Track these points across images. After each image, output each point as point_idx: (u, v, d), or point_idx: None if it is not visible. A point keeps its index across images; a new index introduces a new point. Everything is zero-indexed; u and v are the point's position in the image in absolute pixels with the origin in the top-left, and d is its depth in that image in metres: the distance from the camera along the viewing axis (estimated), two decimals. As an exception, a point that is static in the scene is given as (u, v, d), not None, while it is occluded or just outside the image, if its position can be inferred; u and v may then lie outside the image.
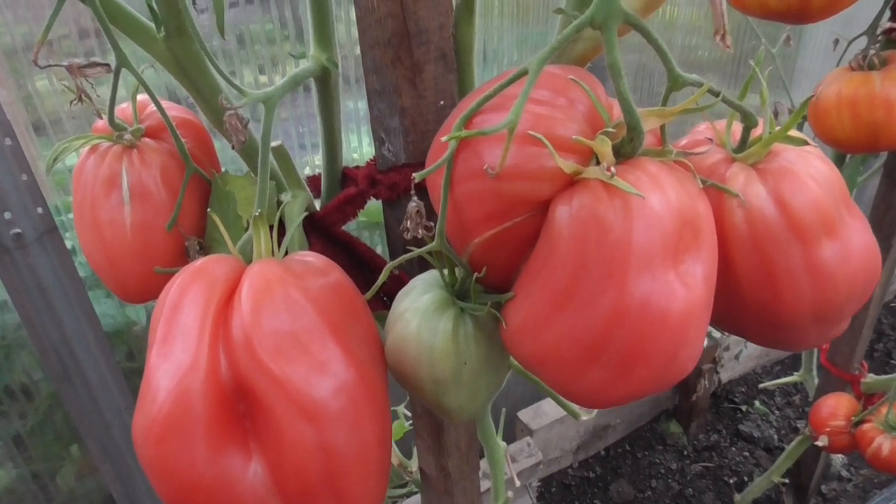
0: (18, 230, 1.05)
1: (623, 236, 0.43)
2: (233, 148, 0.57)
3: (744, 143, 0.52)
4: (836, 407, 1.57)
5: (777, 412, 2.57)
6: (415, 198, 0.50)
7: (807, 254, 0.49)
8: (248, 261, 0.57)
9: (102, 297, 1.35)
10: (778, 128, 0.52)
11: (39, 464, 1.43)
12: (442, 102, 0.63)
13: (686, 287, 0.44)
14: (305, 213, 0.67)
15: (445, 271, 0.56)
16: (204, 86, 0.61)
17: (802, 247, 0.49)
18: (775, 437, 2.45)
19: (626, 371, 0.45)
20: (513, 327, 0.50)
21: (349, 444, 0.50)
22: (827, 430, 1.55)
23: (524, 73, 0.44)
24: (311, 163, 1.64)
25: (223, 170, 0.70)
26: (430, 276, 0.59)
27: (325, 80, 0.67)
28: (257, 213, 0.54)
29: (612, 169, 0.42)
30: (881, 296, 1.50)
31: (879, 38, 1.08)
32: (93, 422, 1.30)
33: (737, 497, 2.00)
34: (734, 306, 0.52)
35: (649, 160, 0.46)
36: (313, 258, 0.58)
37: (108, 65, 0.59)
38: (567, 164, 0.43)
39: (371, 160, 0.70)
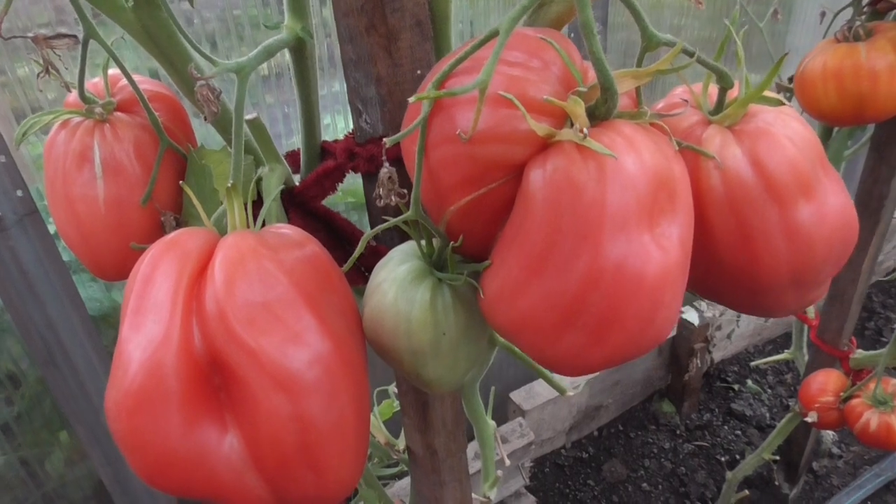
0: (-2, 213, 1.04)
1: (597, 198, 0.42)
2: (205, 119, 0.56)
3: (720, 105, 0.51)
4: (826, 383, 1.57)
5: (769, 391, 2.58)
6: (386, 164, 0.49)
7: (784, 215, 0.48)
8: (224, 234, 0.56)
9: (87, 281, 1.34)
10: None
11: (28, 450, 1.42)
12: (419, 72, 0.62)
13: (662, 249, 0.43)
14: (283, 188, 0.66)
15: (423, 241, 0.55)
16: (175, 56, 0.60)
17: (779, 208, 0.48)
18: (767, 415, 2.46)
19: (602, 335, 0.44)
20: (489, 295, 0.50)
21: (325, 415, 0.50)
22: (816, 406, 1.56)
23: (495, 33, 0.44)
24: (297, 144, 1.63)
25: (199, 144, 0.69)
26: (408, 246, 0.58)
27: (300, 51, 0.66)
28: (230, 184, 0.53)
29: (585, 130, 0.41)
30: (869, 271, 1.49)
31: (865, 9, 1.07)
32: (80, 407, 1.29)
33: (728, 475, 2.00)
34: (712, 271, 0.52)
35: (624, 122, 0.45)
36: (289, 230, 0.57)
37: (74, 36, 0.58)
38: (540, 127, 0.43)
39: (349, 133, 0.69)
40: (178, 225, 0.66)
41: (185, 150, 0.66)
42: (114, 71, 0.67)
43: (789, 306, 0.54)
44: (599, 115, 0.45)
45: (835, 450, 2.32)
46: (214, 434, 0.49)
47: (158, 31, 0.59)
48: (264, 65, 1.50)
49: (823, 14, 1.14)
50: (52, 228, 1.21)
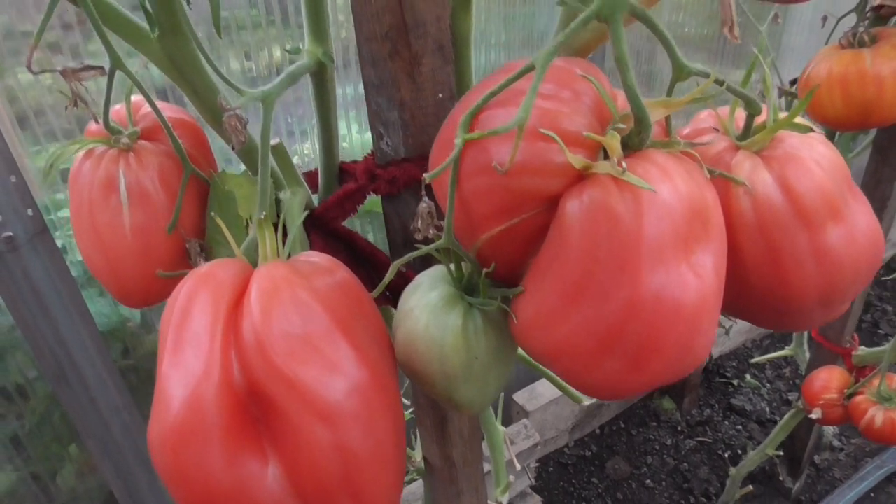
0: (10, 233, 1.04)
1: (634, 229, 0.43)
2: (233, 149, 0.57)
3: (748, 130, 0.52)
4: (829, 380, 1.59)
5: (768, 385, 2.60)
6: (425, 198, 0.50)
7: (813, 239, 0.49)
8: (253, 262, 0.56)
9: (96, 296, 1.34)
10: (782, 114, 0.52)
11: (39, 465, 1.42)
12: (441, 95, 0.62)
13: (698, 278, 0.44)
14: (306, 213, 0.66)
15: (452, 267, 0.56)
16: (200, 85, 0.60)
17: (809, 232, 0.49)
18: (767, 409, 2.49)
19: (641, 363, 0.45)
20: (524, 322, 0.50)
21: (365, 443, 0.50)
22: (820, 403, 1.58)
23: (531, 68, 0.44)
24: (300, 151, 1.63)
25: (220, 168, 0.69)
26: (436, 271, 0.59)
27: (320, 75, 0.66)
28: (262, 217, 0.53)
29: (624, 164, 0.42)
30: (871, 269, 1.51)
31: (868, 14, 1.08)
32: (91, 421, 1.29)
33: (732, 471, 2.02)
34: (741, 292, 0.53)
35: (657, 152, 0.46)
36: (318, 258, 0.57)
37: (101, 67, 0.58)
38: (577, 160, 0.43)
39: (369, 154, 0.69)
40: (203, 251, 0.66)
41: (208, 175, 0.67)
42: (134, 97, 0.68)
43: (815, 323, 0.55)
44: (633, 145, 0.46)
45: (836, 443, 2.35)
46: (256, 465, 0.50)
47: (183, 60, 0.59)
48: (257, 72, 1.50)
49: (825, 19, 1.15)
50: (59, 243, 1.21)
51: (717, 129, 0.54)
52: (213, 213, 0.60)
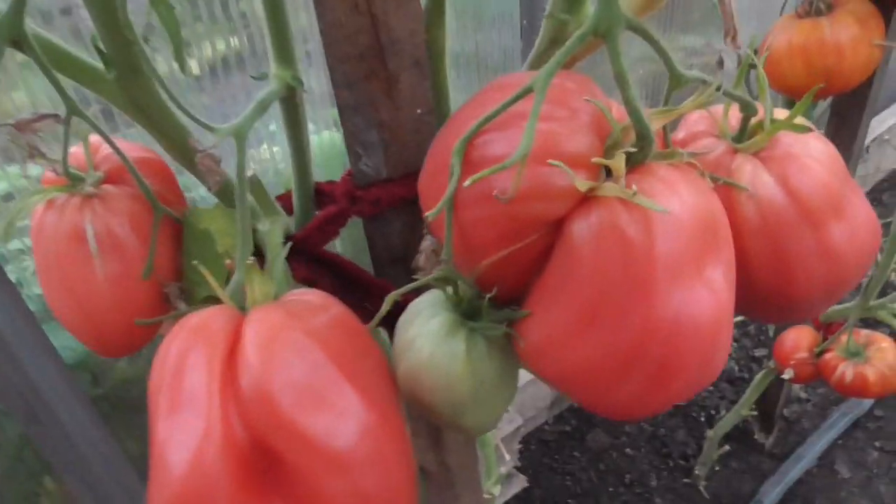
0: (-38, 277, 0.98)
1: (647, 250, 0.42)
2: (209, 190, 0.54)
3: (743, 132, 0.51)
4: (798, 340, 1.62)
5: (734, 344, 2.66)
6: (429, 236, 0.48)
7: (818, 237, 0.49)
8: (240, 306, 0.54)
9: (58, 330, 1.28)
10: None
11: (16, 506, 1.37)
12: (419, 111, 0.60)
13: (713, 292, 0.43)
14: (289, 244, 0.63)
15: (450, 292, 0.54)
16: (166, 125, 0.57)
17: (813, 231, 0.49)
18: (736, 368, 2.54)
19: (662, 383, 0.44)
20: (534, 345, 0.49)
21: (380, 486, 0.49)
22: (792, 363, 1.61)
23: (529, 90, 0.42)
24: (258, 157, 1.58)
25: (193, 205, 0.66)
26: (432, 297, 0.57)
27: (290, 99, 0.64)
28: (250, 262, 0.51)
29: (634, 187, 0.41)
30: (831, 227, 1.54)
31: (820, -19, 1.09)
32: (69, 458, 1.25)
33: (709, 433, 2.06)
34: (746, 293, 0.52)
35: (659, 165, 0.45)
36: (309, 295, 0.55)
37: (57, 115, 0.54)
38: (584, 184, 0.42)
39: (346, 175, 0.67)
40: (183, 294, 0.63)
41: (179, 213, 0.63)
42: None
43: (817, 314, 0.55)
44: (635, 160, 0.45)
45: (803, 395, 2.42)
46: (268, 521, 0.48)
47: (146, 101, 0.56)
48: (198, 64, 1.44)
49: (778, -12, 1.15)
50: (13, 276, 1.16)
51: (712, 133, 0.53)
52: (190, 257, 0.57)
